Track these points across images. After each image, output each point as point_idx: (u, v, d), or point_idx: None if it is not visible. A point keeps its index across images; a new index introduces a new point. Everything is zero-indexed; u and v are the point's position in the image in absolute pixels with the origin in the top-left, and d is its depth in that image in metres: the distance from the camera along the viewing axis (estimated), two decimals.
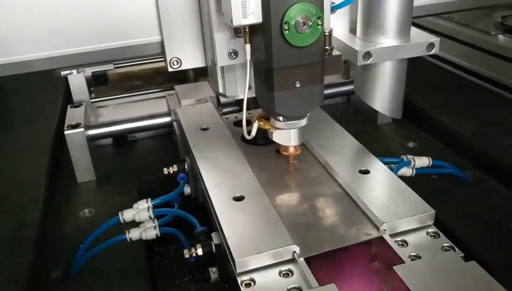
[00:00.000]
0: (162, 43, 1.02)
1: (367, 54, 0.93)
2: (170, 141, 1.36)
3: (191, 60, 1.03)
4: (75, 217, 1.11)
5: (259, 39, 0.82)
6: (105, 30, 1.01)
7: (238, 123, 1.21)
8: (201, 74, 1.54)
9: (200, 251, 0.85)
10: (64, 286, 0.92)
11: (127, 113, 1.43)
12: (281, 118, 0.90)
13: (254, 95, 0.95)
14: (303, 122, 0.92)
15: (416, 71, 1.06)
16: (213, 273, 0.89)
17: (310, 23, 0.78)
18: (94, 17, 1.00)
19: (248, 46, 0.85)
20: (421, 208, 0.84)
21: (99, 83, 1.57)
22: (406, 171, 1.08)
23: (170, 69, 1.03)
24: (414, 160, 1.09)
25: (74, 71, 1.32)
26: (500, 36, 1.56)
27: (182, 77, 1.59)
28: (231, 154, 1.03)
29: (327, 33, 0.89)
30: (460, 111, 1.37)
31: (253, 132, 0.94)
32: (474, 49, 1.63)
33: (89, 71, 1.52)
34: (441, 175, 1.13)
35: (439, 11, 1.37)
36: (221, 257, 0.84)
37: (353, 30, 1.02)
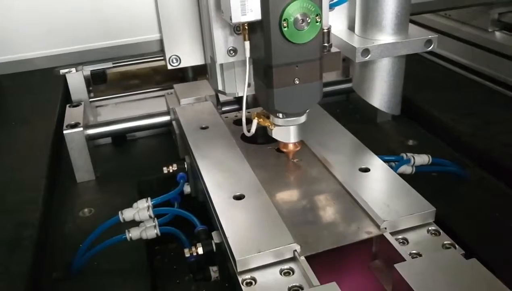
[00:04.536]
0: (161, 41, 1.02)
1: (366, 51, 0.94)
2: (169, 141, 1.35)
3: (190, 58, 1.03)
4: (75, 216, 1.11)
5: (258, 36, 0.82)
6: (104, 28, 1.01)
7: (238, 122, 1.21)
8: (200, 73, 1.54)
9: (200, 250, 0.85)
10: (64, 286, 0.92)
11: (126, 113, 1.42)
12: (280, 115, 0.90)
13: (253, 92, 0.95)
14: (303, 119, 0.92)
15: (415, 69, 1.06)
16: (214, 272, 0.89)
17: (309, 20, 0.78)
18: (93, 16, 1.00)
19: (247, 44, 0.85)
20: (421, 206, 0.84)
21: (98, 82, 1.57)
22: (406, 169, 1.08)
23: (169, 67, 1.03)
24: (414, 158, 1.09)
25: (73, 69, 1.32)
26: (497, 33, 1.56)
27: (181, 76, 1.59)
28: (231, 153, 1.02)
29: (325, 30, 0.90)
30: (459, 109, 1.37)
31: (253, 130, 0.94)
32: (472, 46, 1.63)
33: (87, 70, 1.52)
34: (441, 172, 1.13)
35: (436, 8, 1.38)
36: (221, 256, 0.84)
37: (351, 28, 1.02)
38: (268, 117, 0.94)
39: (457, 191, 1.09)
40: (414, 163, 1.08)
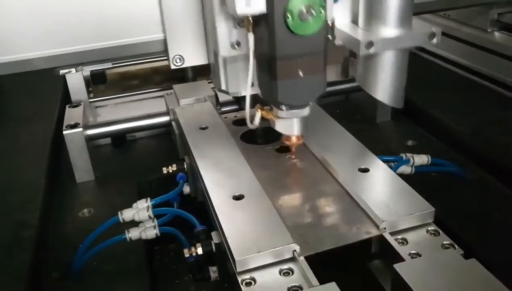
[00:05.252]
0: (165, 41, 1.02)
1: (370, 44, 0.93)
2: (169, 141, 1.35)
3: (194, 57, 1.03)
4: (74, 217, 1.11)
5: (262, 28, 0.82)
6: (104, 28, 1.01)
7: (237, 122, 1.21)
8: (200, 73, 1.54)
9: (200, 250, 0.85)
10: (64, 286, 0.92)
11: (125, 113, 1.42)
12: (284, 107, 0.90)
13: (256, 92, 0.94)
14: (306, 111, 0.92)
15: (414, 69, 1.06)
16: (213, 272, 0.89)
17: (313, 12, 0.78)
18: (93, 16, 1.00)
19: (251, 35, 0.84)
20: (421, 206, 0.84)
21: (98, 82, 1.57)
22: (405, 169, 1.08)
23: (173, 67, 1.03)
24: (413, 158, 1.09)
25: (73, 70, 1.32)
26: (496, 33, 1.56)
27: (181, 76, 1.59)
28: (230, 153, 1.03)
29: (329, 23, 0.89)
30: (459, 109, 1.37)
31: (256, 122, 0.93)
32: (471, 47, 1.63)
33: (87, 70, 1.52)
34: (440, 173, 1.13)
35: (436, 8, 1.37)
36: (221, 256, 0.84)
37: (355, 21, 1.02)
38: (271, 110, 0.93)
39: (456, 191, 1.09)
40: (413, 163, 1.08)
